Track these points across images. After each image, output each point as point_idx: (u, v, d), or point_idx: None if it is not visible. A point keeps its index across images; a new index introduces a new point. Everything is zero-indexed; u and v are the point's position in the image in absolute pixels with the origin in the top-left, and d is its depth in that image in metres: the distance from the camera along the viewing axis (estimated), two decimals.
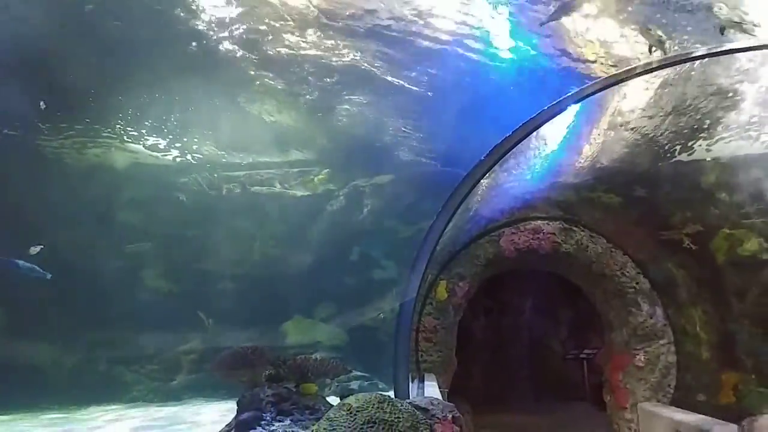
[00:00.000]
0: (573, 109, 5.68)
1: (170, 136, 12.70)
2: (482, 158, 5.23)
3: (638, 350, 8.86)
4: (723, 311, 7.78)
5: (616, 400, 9.02)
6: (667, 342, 8.79)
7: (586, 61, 6.66)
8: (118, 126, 11.90)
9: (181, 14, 7.73)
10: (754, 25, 5.89)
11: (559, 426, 11.28)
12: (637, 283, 8.97)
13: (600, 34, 6.09)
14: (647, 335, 8.83)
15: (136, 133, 12.25)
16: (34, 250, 11.88)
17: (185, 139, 13.10)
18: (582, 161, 7.54)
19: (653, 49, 6.26)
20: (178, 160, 13.86)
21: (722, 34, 4.86)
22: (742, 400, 7.33)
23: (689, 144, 6.90)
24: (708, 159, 7.04)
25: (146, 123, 11.77)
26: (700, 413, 7.06)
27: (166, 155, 13.54)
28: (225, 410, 7.06)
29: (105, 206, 13.83)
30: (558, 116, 5.42)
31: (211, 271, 14.26)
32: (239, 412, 5.44)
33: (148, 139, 12.59)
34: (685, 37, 6.01)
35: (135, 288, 14.06)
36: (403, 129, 9.84)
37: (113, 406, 11.96)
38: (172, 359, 13.77)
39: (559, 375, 14.80)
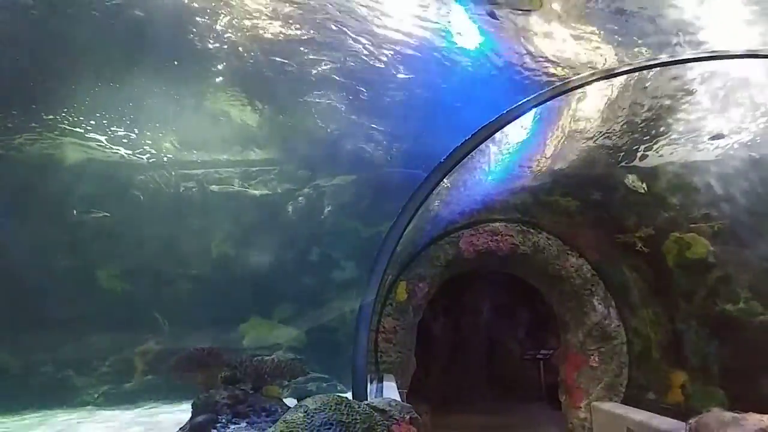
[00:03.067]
0: (532, 113, 5.75)
1: (125, 132, 12.30)
2: (442, 160, 5.25)
3: (593, 350, 9.07)
4: (672, 312, 8.03)
5: (570, 400, 9.21)
6: (620, 342, 9.03)
7: (546, 66, 6.77)
8: (69, 121, 11.46)
9: (137, 7, 7.50)
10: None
11: (516, 425, 11.47)
12: (592, 285, 9.19)
13: (560, 41, 6.20)
14: (602, 336, 9.06)
15: (89, 129, 11.83)
16: None
17: (141, 136, 12.72)
18: (540, 165, 7.66)
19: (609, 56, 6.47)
20: (133, 156, 13.44)
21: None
22: (689, 398, 7.58)
23: (643, 150, 7.09)
24: (660, 165, 7.26)
25: (100, 118, 11.36)
26: (650, 411, 7.26)
27: (120, 152, 13.11)
28: (180, 413, 6.87)
29: (56, 204, 13.31)
30: (517, 120, 5.47)
31: (167, 271, 13.89)
32: (194, 415, 5.30)
33: (101, 135, 12.16)
34: (640, 47, 6.18)
35: (87, 288, 13.57)
36: (364, 130, 9.81)
37: (62, 412, 11.52)
38: (125, 362, 13.36)
39: (516, 375, 15.08)
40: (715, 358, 7.31)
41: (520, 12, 5.70)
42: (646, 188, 6.93)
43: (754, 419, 4.37)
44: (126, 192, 13.99)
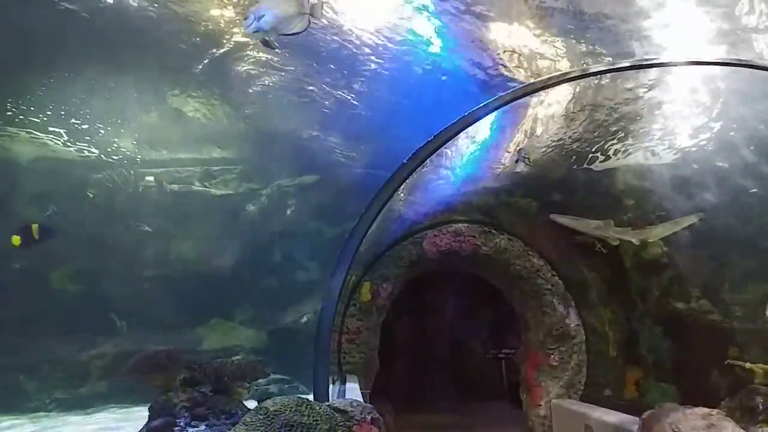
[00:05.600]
0: (493, 115, 5.81)
1: (81, 128, 11.89)
2: (405, 161, 5.26)
3: (553, 349, 9.24)
4: (629, 311, 8.26)
5: (531, 398, 9.36)
6: (579, 341, 9.23)
7: (508, 69, 6.87)
8: (21, 116, 11.01)
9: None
10: None
11: (478, 424, 11.60)
12: (552, 285, 9.37)
13: (522, 44, 6.31)
14: (561, 335, 9.24)
15: (41, 124, 11.39)
16: None
17: (98, 132, 12.31)
18: (502, 166, 7.77)
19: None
20: (89, 154, 13.00)
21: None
22: (643, 394, 7.81)
23: (601, 152, 7.26)
24: (617, 167, 7.45)
25: (53, 113, 10.95)
26: (607, 408, 7.44)
27: (75, 148, 12.66)
28: (137, 417, 6.69)
29: (5, 202, 12.77)
30: (479, 122, 5.53)
31: (125, 272, 13.50)
32: (150, 418, 5.19)
33: (54, 131, 11.72)
34: (601, 54, 6.34)
35: (39, 290, 13.08)
36: (328, 130, 9.76)
37: (12, 418, 11.07)
38: (79, 365, 12.91)
39: (479, 374, 15.25)
40: (668, 356, 7.55)
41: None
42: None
43: (703, 413, 4.53)
44: (81, 190, 13.54)
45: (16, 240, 7.45)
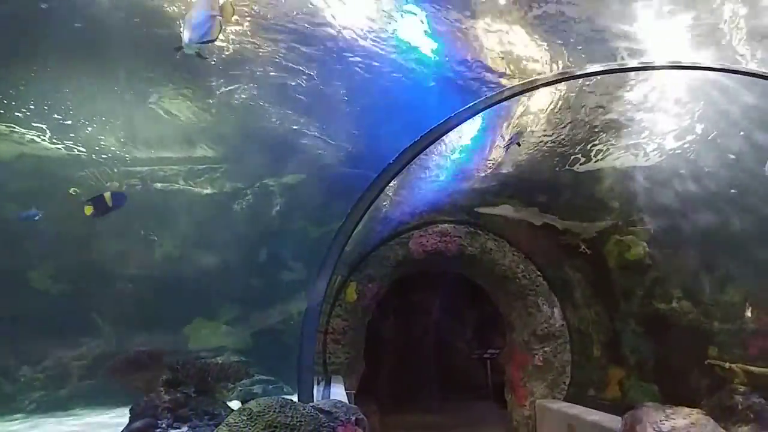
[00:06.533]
0: (480, 116, 5.83)
1: (64, 126, 11.72)
2: (391, 161, 5.26)
3: (537, 350, 9.31)
4: (612, 312, 8.34)
5: (516, 398, 9.42)
6: (564, 342, 9.31)
7: (495, 71, 6.89)
8: (1, 111, 10.83)
9: None
10: None
11: (463, 424, 11.65)
12: (537, 286, 9.44)
13: (509, 46, 6.33)
14: (546, 335, 9.31)
15: (23, 120, 11.21)
16: None
17: (82, 130, 12.15)
18: (487, 168, 7.80)
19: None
20: (73, 151, 12.82)
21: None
22: (626, 393, 7.89)
23: (586, 154, 7.32)
24: (601, 169, 7.51)
25: (36, 109, 10.78)
26: (590, 407, 7.50)
27: (59, 146, 12.48)
28: (118, 419, 6.62)
29: None
30: (465, 123, 5.54)
31: (108, 272, 13.31)
32: (131, 420, 5.13)
33: (37, 127, 11.54)
34: (584, 55, 6.39)
35: (19, 289, 12.87)
36: (314, 129, 9.71)
37: None
38: (60, 366, 12.73)
39: (464, 374, 15.32)
40: (650, 355, 7.64)
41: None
42: None
43: (684, 412, 4.59)
44: (64, 188, 13.34)
45: (88, 210, 7.28)
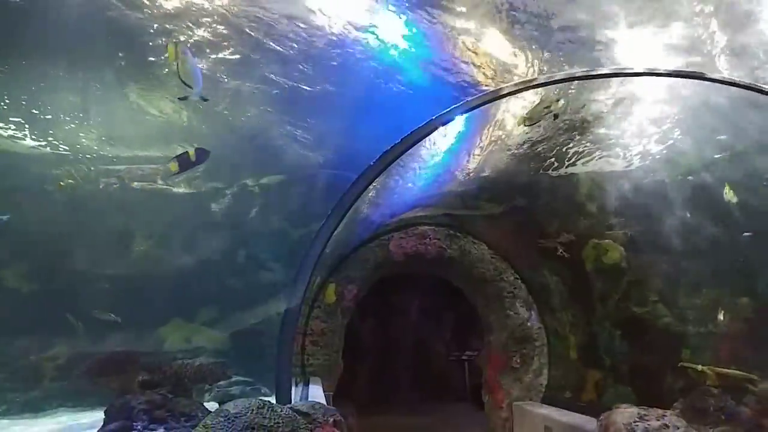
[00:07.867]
0: (461, 119, 5.86)
1: (39, 123, 11.50)
2: (371, 163, 5.26)
3: (515, 352, 9.38)
4: (589, 315, 8.44)
5: (493, 400, 9.47)
6: (541, 344, 9.39)
7: (476, 75, 6.93)
8: None
9: None
10: None
11: (441, 426, 11.67)
12: (515, 288, 9.51)
13: (491, 50, 6.38)
14: (523, 338, 9.38)
15: None
16: None
17: (58, 127, 11.93)
18: (467, 171, 7.84)
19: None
20: (48, 149, 12.58)
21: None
22: (602, 395, 7.99)
23: (565, 159, 7.40)
24: (580, 173, 7.60)
25: (9, 107, 10.56)
26: (566, 410, 7.58)
27: (33, 143, 12.23)
28: (93, 421, 6.49)
29: None
30: (446, 125, 5.56)
31: (83, 271, 13.08)
32: (107, 422, 5.03)
33: (12, 125, 11.30)
34: (566, 59, 6.46)
35: None
36: (294, 129, 9.67)
37: None
38: (32, 367, 12.45)
39: (442, 376, 15.36)
40: (625, 358, 7.74)
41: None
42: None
43: (657, 414, 4.67)
44: (39, 186, 13.08)
45: (173, 166, 7.39)
